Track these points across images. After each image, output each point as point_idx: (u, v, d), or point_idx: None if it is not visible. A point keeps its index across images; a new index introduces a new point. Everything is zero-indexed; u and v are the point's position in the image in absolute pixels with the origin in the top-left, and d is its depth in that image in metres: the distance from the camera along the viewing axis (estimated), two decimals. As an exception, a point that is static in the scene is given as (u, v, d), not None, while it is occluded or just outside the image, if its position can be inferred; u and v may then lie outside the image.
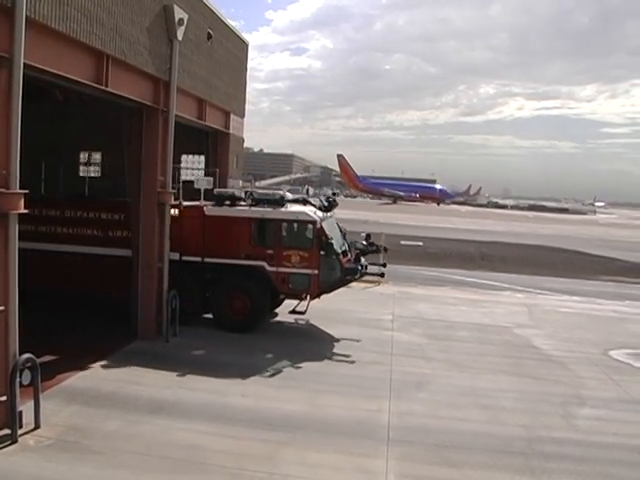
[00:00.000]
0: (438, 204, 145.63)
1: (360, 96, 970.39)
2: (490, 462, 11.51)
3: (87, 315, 19.10)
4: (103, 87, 14.42)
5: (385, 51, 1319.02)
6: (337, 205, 20.73)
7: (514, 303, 26.08)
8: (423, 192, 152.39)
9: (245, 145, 29.04)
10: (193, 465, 10.55)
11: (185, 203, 19.74)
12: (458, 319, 19.84)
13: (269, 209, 19.32)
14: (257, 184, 31.73)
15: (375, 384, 15.35)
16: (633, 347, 20.64)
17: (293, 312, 19.96)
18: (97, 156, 23.84)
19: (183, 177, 22.08)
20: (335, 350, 18.16)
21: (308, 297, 19.65)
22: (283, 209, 19.48)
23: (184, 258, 19.32)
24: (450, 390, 15.39)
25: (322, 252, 18.72)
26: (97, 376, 14.50)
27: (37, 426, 11.33)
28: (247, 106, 26.16)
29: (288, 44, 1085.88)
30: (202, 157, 23.76)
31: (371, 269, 20.56)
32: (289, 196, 20.61)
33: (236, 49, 23.76)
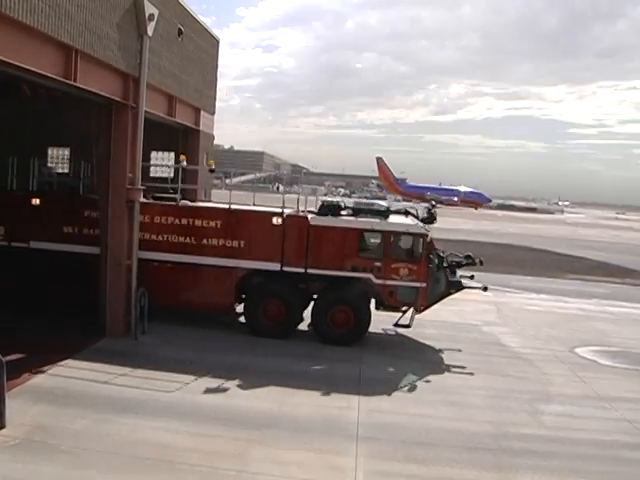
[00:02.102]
0: (476, 208, 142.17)
1: (331, 94, 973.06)
2: (458, 458, 11.64)
3: (54, 313, 18.81)
4: (72, 82, 14.26)
5: (356, 49, 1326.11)
6: (436, 218, 20.09)
7: (483, 301, 26.33)
8: (462, 197, 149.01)
9: (215, 142, 28.88)
10: (162, 464, 10.48)
11: (286, 212, 19.15)
12: (427, 317, 19.94)
13: (376, 220, 19.03)
14: (227, 181, 31.47)
15: (345, 382, 15.39)
16: (599, 344, 21.03)
17: (397, 325, 19.51)
18: (66, 152, 23.50)
19: (152, 174, 21.92)
20: (313, 347, 18.22)
21: (412, 310, 19.25)
22: (391, 220, 19.30)
23: (285, 269, 18.76)
24: (419, 387, 15.51)
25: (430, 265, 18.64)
26: (65, 375, 14.28)
27: (2, 426, 11.12)
28: (218, 103, 26.03)
29: (259, 41, 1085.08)
30: (172, 154, 23.57)
31: (471, 282, 20.18)
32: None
33: (207, 45, 23.61)
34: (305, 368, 16.29)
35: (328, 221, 18.83)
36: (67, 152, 23.51)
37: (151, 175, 21.89)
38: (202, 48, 22.94)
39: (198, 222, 18.89)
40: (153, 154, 22.88)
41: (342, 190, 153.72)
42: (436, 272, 18.88)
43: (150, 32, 17.04)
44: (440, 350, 19.14)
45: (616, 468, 11.90)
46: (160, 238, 18.93)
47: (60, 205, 19.61)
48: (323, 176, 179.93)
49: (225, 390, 14.10)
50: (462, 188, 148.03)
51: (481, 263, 20.30)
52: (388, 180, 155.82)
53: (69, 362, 15.07)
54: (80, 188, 20.84)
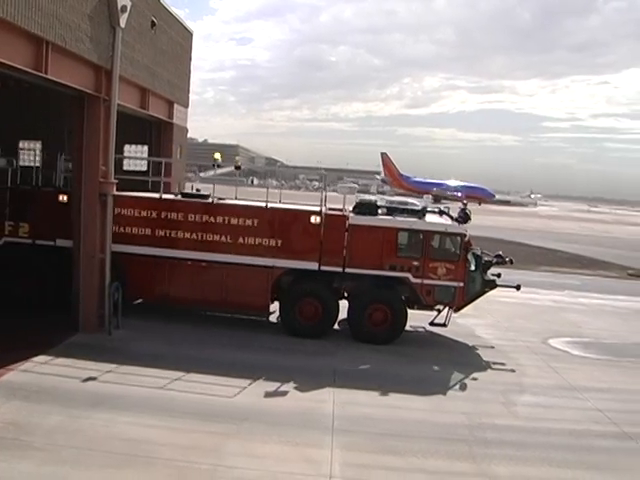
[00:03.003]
0: (479, 204, 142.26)
1: (305, 87, 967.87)
2: (433, 449, 11.74)
3: (26, 308, 18.56)
4: (42, 74, 14.07)
5: (331, 42, 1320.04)
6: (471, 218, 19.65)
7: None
8: (467, 192, 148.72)
9: (189, 135, 28.72)
10: (137, 459, 10.42)
11: (326, 211, 19.00)
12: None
13: (415, 219, 18.98)
14: (202, 175, 31.39)
15: (320, 375, 15.43)
16: (571, 335, 21.32)
17: (432, 324, 19.58)
18: (38, 145, 23.16)
19: (126, 167, 21.74)
20: (288, 340, 18.22)
21: (447, 309, 19.27)
22: (428, 220, 19.26)
23: (323, 268, 18.62)
24: (394, 379, 15.60)
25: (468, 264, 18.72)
26: (37, 370, 14.12)
27: (-26, 423, 11.01)
28: (191, 96, 25.89)
29: (233, 34, 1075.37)
30: (145, 147, 23.41)
31: (503, 281, 20.11)
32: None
33: (180, 38, 23.43)
34: (281, 361, 16.29)
35: (367, 220, 18.78)
36: (39, 145, 23.20)
37: (124, 168, 21.73)
38: (175, 40, 22.76)
39: (234, 220, 18.67)
40: (126, 147, 22.70)
41: (316, 183, 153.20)
42: (472, 271, 19.03)
43: (122, 24, 16.85)
44: (415, 342, 19.24)
45: (588, 457, 12.09)
46: (193, 236, 18.74)
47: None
48: (297, 169, 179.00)
49: (200, 384, 13.99)
50: (479, 186, 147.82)
51: (511, 262, 20.48)
52: (392, 175, 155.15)
53: (42, 358, 14.86)
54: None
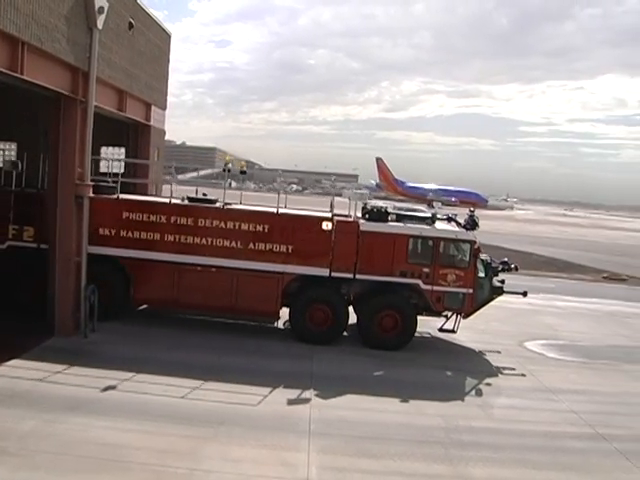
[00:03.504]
0: (472, 210, 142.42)
1: (284, 90, 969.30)
2: (409, 452, 11.81)
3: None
4: (18, 74, 13.93)
5: (309, 46, 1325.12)
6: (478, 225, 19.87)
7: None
8: (461, 197, 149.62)
9: (167, 137, 28.59)
10: (113, 463, 10.35)
11: (337, 217, 19.10)
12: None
13: (425, 226, 19.09)
14: (180, 177, 31.34)
15: (297, 378, 15.43)
16: (546, 338, 21.55)
17: (442, 330, 19.75)
18: (13, 147, 22.92)
19: (103, 169, 21.57)
20: (264, 342, 18.17)
21: (456, 315, 19.42)
22: (438, 227, 19.33)
23: (334, 274, 18.66)
24: (370, 382, 15.68)
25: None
26: (11, 374, 13.92)
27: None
28: (169, 98, 25.74)
29: (212, 36, 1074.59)
30: (122, 149, 23.26)
31: (508, 287, 20.28)
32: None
33: (158, 40, 23.31)
34: (258, 365, 16.22)
35: (378, 227, 18.85)
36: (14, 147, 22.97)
37: (101, 170, 21.57)
38: (153, 42, 22.64)
39: (244, 226, 18.64)
40: (103, 149, 22.55)
41: (294, 186, 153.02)
42: (481, 278, 19.20)
43: (100, 25, 16.73)
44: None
45: (562, 458, 12.25)
46: (204, 242, 18.65)
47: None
48: (276, 172, 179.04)
49: (176, 388, 13.93)
50: (472, 191, 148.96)
51: (516, 269, 20.76)
52: (387, 180, 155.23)
53: (16, 362, 14.69)
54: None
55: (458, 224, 19.82)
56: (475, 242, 18.89)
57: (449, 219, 20.36)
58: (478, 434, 13.03)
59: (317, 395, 14.39)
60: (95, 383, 13.79)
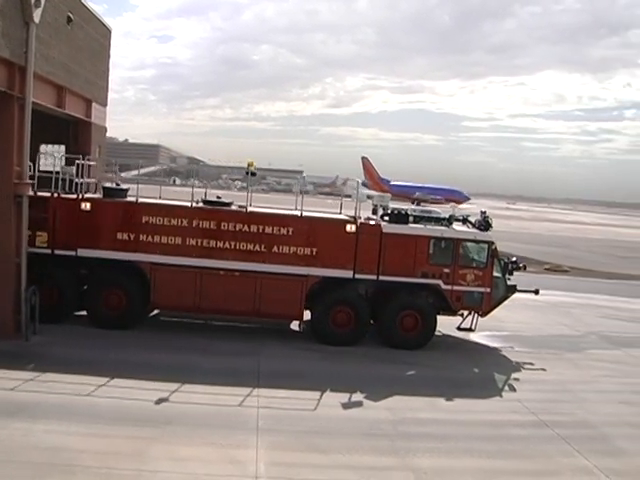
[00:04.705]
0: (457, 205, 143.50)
1: (228, 86, 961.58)
2: (357, 446, 11.89)
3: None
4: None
5: (253, 41, 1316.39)
6: (492, 225, 20.31)
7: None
8: (445, 195, 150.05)
9: (109, 135, 28.11)
10: (57, 468, 10.11)
11: (361, 220, 19.29)
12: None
13: (445, 228, 19.35)
14: (123, 175, 30.73)
15: (244, 375, 15.37)
16: (491, 330, 21.90)
17: (460, 329, 20.08)
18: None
19: (43, 167, 21.03)
20: (213, 341, 18.03)
21: (473, 314, 19.75)
22: (458, 228, 19.64)
23: (357, 276, 18.80)
24: (318, 377, 15.77)
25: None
26: (-52, 380, 13.50)
27: None
28: (111, 95, 25.32)
29: (154, 31, 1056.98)
30: (63, 147, 22.72)
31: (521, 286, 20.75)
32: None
33: (98, 34, 22.86)
34: (203, 362, 16.10)
35: (400, 229, 19.15)
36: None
37: (41, 169, 21.04)
38: (93, 37, 22.18)
39: (268, 229, 18.59)
40: (43, 147, 22.00)
41: (239, 183, 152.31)
42: (497, 277, 19.60)
43: (36, 19, 16.32)
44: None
45: (507, 446, 12.57)
46: (227, 245, 18.53)
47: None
48: (220, 169, 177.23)
49: (121, 388, 13.72)
50: (454, 188, 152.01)
51: (524, 268, 21.33)
52: (373, 179, 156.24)
53: (-47, 366, 14.22)
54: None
55: (472, 225, 20.28)
56: (493, 243, 19.39)
57: (464, 220, 20.76)
58: (425, 425, 13.23)
59: (265, 392, 14.32)
60: (36, 386, 13.47)
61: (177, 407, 13.06)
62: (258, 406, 13.42)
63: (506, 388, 16.18)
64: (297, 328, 20.60)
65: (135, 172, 30.67)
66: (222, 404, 13.44)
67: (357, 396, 14.66)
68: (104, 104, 24.50)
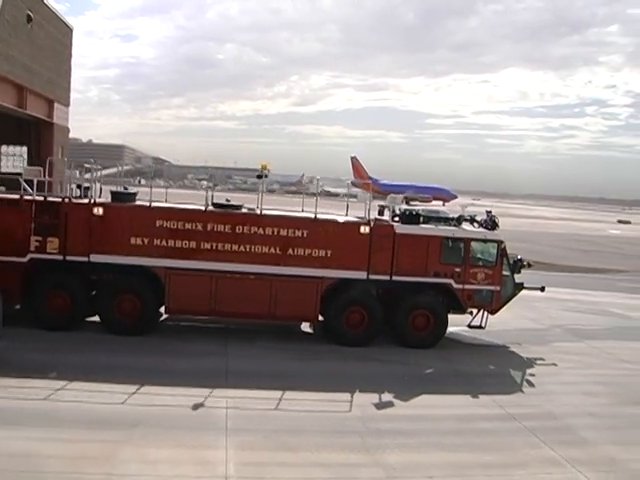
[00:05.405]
0: (444, 204, 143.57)
1: (192, 86, 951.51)
2: (327, 443, 11.94)
3: None
4: None
5: (217, 40, 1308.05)
6: (499, 225, 20.45)
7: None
8: (432, 193, 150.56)
9: (72, 135, 27.83)
10: (25, 474, 9.95)
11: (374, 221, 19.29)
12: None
13: (455, 228, 19.51)
14: (87, 176, 30.36)
15: (212, 375, 15.32)
16: (457, 325, 21.97)
17: (470, 326, 20.20)
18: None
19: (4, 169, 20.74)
20: (179, 342, 17.91)
21: (483, 312, 19.99)
22: (465, 227, 19.76)
23: (371, 277, 18.86)
24: (288, 375, 15.76)
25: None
26: None
27: None
28: (74, 95, 25.12)
29: (117, 30, 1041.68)
30: (24, 148, 22.41)
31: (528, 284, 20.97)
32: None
33: (60, 34, 22.58)
34: (171, 364, 15.96)
35: (412, 229, 19.33)
36: None
37: (2, 171, 20.75)
38: (54, 36, 21.91)
39: (283, 232, 18.52)
40: (3, 148, 21.69)
41: (205, 183, 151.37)
42: (506, 276, 19.90)
43: (-5, 18, 16.07)
44: (309, 339, 19.47)
45: (475, 440, 12.72)
46: (242, 249, 18.38)
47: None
48: (185, 169, 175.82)
49: (88, 392, 13.46)
50: (441, 187, 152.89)
51: (529, 265, 21.60)
52: (363, 178, 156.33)
53: None
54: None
55: (480, 224, 20.48)
56: (502, 242, 19.65)
57: (472, 220, 20.90)
58: (394, 421, 13.32)
59: (233, 392, 14.26)
60: (1, 392, 13.10)
61: (145, 409, 12.95)
62: (227, 406, 13.36)
63: (474, 382, 16.34)
64: (309, 329, 20.73)
65: (103, 172, 30.15)
66: (190, 405, 13.32)
67: (326, 394, 14.66)
68: (67, 104, 24.22)
